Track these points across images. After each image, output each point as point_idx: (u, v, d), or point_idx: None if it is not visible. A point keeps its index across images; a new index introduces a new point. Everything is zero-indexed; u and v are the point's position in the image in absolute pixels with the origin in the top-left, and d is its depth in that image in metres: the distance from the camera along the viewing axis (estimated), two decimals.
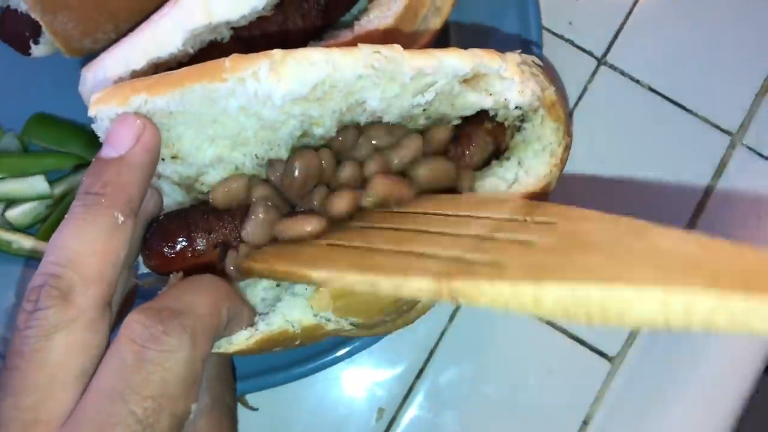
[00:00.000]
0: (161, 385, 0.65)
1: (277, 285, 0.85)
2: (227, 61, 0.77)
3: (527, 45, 1.13)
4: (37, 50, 1.06)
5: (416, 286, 0.62)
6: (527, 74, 0.88)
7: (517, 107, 0.87)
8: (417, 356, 1.20)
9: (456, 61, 0.82)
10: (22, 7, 1.02)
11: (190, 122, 0.80)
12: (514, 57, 0.89)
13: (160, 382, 0.65)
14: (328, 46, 0.98)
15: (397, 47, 0.80)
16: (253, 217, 0.82)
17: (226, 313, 0.74)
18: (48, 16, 0.99)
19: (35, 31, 1.04)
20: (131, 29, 1.02)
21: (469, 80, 0.85)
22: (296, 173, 0.80)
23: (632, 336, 1.21)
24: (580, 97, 1.28)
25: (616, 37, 1.30)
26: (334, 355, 1.08)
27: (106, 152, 0.75)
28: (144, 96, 0.76)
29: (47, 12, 0.98)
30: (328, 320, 0.83)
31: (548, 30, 1.29)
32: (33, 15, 1.00)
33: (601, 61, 1.30)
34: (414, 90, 0.83)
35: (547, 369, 1.19)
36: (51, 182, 1.15)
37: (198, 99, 0.77)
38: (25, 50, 1.07)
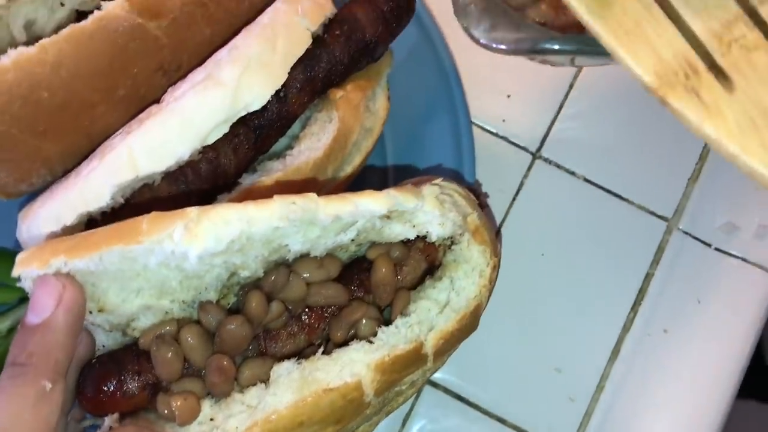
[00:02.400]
0: None
1: (211, 419, 0.86)
2: (144, 223, 0.79)
3: (459, 158, 1.16)
4: None
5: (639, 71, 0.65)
6: (448, 205, 0.91)
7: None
8: None
9: (371, 204, 0.85)
10: None
11: (114, 278, 0.82)
12: (433, 190, 0.91)
13: None
14: (259, 185, 1.01)
15: (312, 196, 0.82)
16: (155, 357, 0.83)
17: None
18: None
19: None
20: (66, 170, 1.04)
21: (393, 213, 0.88)
22: (225, 337, 0.82)
23: (582, 427, 1.23)
24: (517, 192, 1.32)
25: (548, 131, 1.34)
26: None
27: (29, 319, 0.77)
28: (63, 258, 0.78)
29: None
30: None
31: (482, 128, 1.33)
32: None
33: (536, 155, 1.34)
34: (335, 230, 0.85)
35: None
36: None
37: (117, 259, 0.79)
38: None
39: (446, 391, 1.24)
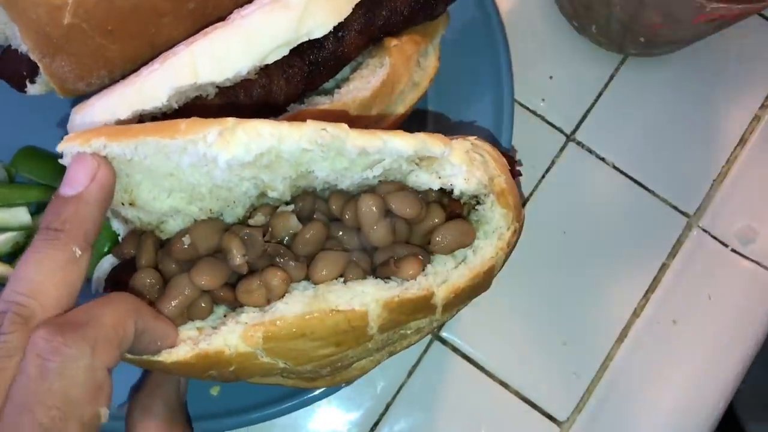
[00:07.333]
0: (64, 394, 0.68)
1: (225, 315, 0.89)
2: (183, 124, 0.82)
3: (498, 127, 1.19)
4: (33, 89, 1.11)
5: None
6: (477, 162, 0.90)
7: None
8: (374, 408, 1.24)
9: (400, 143, 0.85)
10: (23, 48, 1.07)
11: (147, 172, 0.85)
12: (464, 144, 0.91)
13: (62, 391, 0.68)
14: (304, 112, 1.04)
15: (344, 126, 0.84)
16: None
17: (133, 325, 0.77)
18: (47, 59, 1.03)
19: (33, 71, 1.09)
20: (124, 76, 1.08)
21: (423, 160, 0.89)
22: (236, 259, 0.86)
23: (582, 402, 1.25)
24: (547, 170, 1.35)
25: (585, 116, 1.38)
26: (293, 402, 1.12)
27: (64, 190, 0.80)
28: (104, 141, 0.82)
29: (46, 55, 1.03)
30: (263, 355, 0.86)
31: (522, 105, 1.36)
32: (32, 56, 1.04)
33: (569, 137, 1.37)
34: (362, 165, 0.87)
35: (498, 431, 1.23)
36: (32, 214, 1.19)
37: (152, 151, 0.82)
38: (22, 88, 1.11)
39: (454, 349, 1.27)
